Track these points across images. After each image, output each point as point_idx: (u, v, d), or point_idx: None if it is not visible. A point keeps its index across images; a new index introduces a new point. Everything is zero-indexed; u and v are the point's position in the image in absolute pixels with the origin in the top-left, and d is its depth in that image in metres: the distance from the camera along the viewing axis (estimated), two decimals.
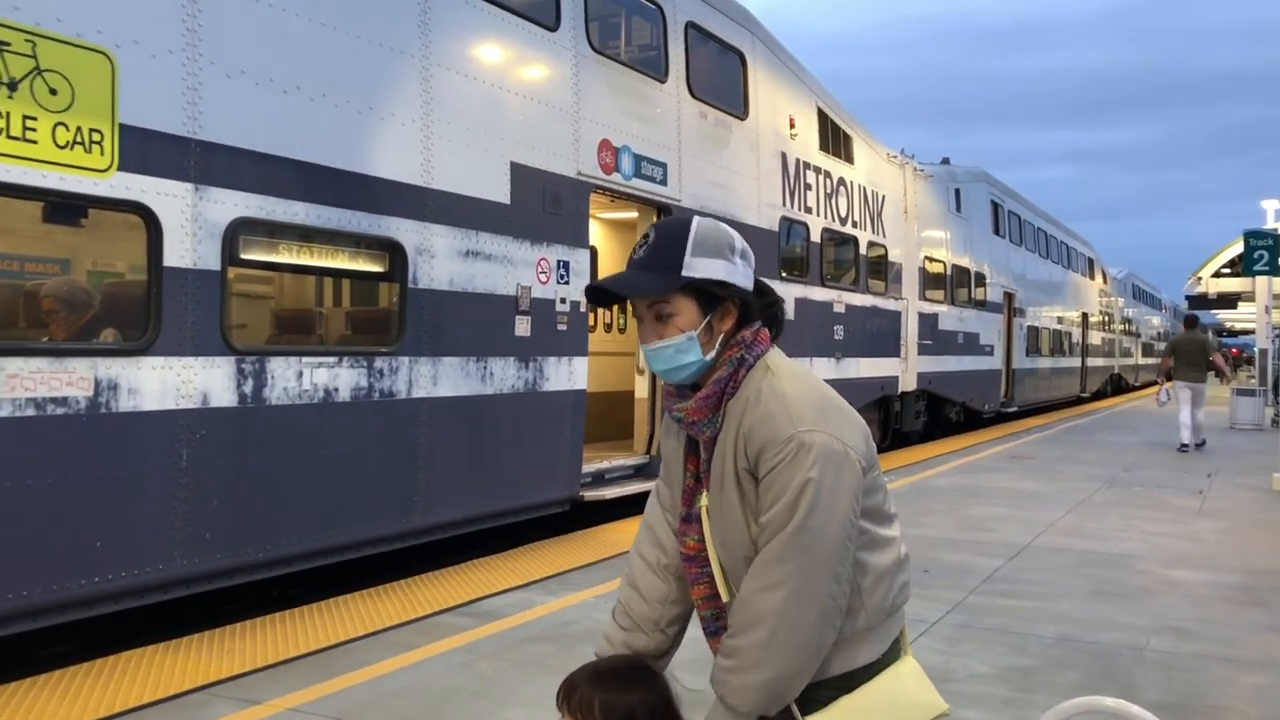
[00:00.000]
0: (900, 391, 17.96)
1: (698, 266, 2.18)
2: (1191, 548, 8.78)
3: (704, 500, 2.25)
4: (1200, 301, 37.18)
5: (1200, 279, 39.34)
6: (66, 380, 5.34)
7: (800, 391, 2.16)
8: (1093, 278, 38.15)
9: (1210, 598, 7.03)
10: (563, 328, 9.16)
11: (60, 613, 5.44)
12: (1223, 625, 6.34)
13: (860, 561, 2.14)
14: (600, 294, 2.24)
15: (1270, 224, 28.52)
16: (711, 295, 2.21)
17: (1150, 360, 53.80)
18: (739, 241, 2.27)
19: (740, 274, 2.24)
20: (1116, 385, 44.39)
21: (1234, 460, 16.04)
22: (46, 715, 4.54)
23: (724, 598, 2.22)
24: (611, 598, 6.76)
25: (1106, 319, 41.24)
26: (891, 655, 2.23)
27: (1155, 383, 24.77)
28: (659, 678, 2.17)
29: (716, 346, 2.22)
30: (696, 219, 2.25)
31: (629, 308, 2.36)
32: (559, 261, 9.08)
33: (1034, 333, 27.83)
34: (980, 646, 5.81)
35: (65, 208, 5.51)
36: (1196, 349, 17.88)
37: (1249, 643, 6.00)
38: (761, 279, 2.35)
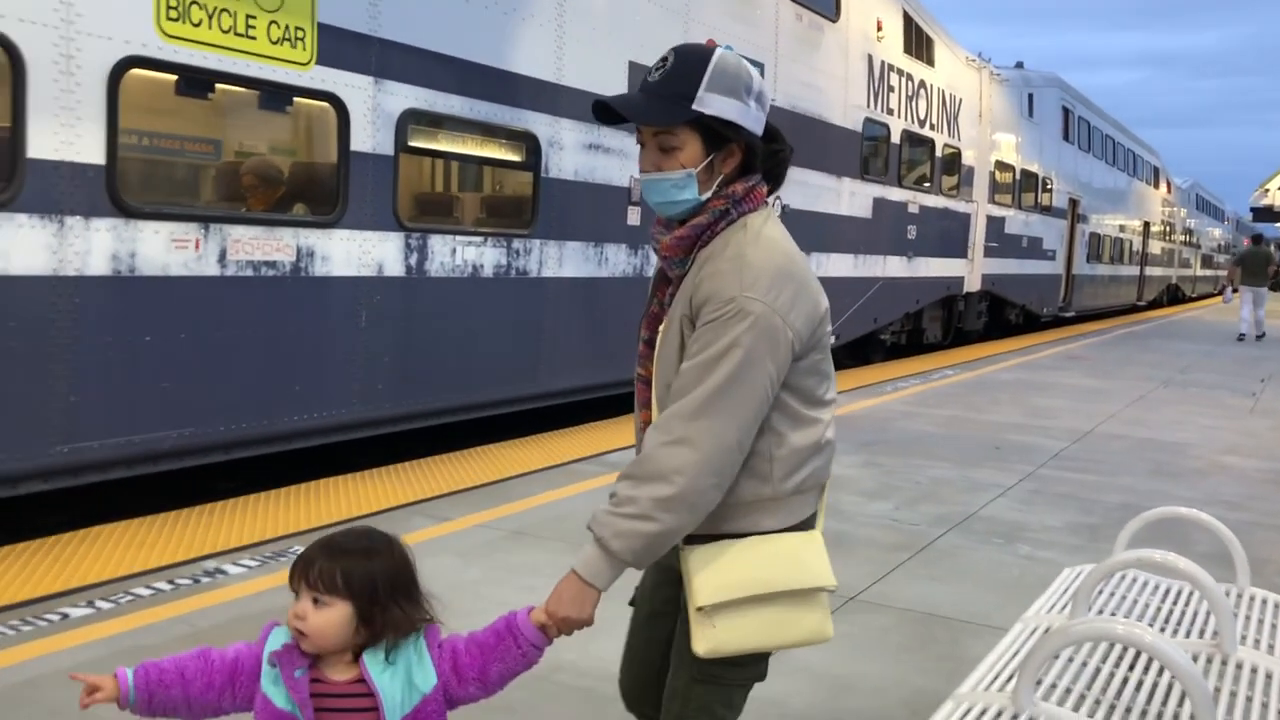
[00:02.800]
0: (965, 291, 18.58)
1: (710, 102, 2.09)
2: (1243, 440, 9.53)
3: (662, 328, 2.20)
4: (1266, 214, 37.02)
5: (1267, 190, 39.01)
6: (275, 247, 6.23)
7: (763, 259, 2.08)
8: (1156, 187, 37.97)
9: (1259, 480, 7.81)
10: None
11: (268, 444, 6.43)
12: (1269, 501, 7.12)
13: (778, 432, 2.13)
14: (607, 111, 2.13)
15: None
16: (718, 134, 2.12)
17: (1208, 272, 53.50)
18: (756, 82, 2.16)
19: (752, 117, 2.15)
20: (1174, 295, 44.40)
21: None
22: (300, 514, 5.54)
23: (652, 420, 2.20)
24: None
25: (1168, 229, 41.08)
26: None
27: (1212, 294, 25.67)
28: (395, 542, 2.02)
29: (714, 188, 2.14)
30: (720, 50, 2.14)
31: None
32: None
33: (1095, 239, 28.08)
34: (1051, 507, 6.65)
35: (274, 96, 6.34)
36: (1261, 261, 21.44)
37: None
38: (773, 124, 2.26)
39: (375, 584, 1.92)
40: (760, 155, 2.20)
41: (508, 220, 8.34)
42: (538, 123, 8.14)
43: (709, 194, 2.14)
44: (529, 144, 8.14)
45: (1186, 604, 3.21)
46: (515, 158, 8.22)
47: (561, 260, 8.57)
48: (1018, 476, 7.45)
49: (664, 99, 2.09)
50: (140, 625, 4.08)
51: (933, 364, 14.71)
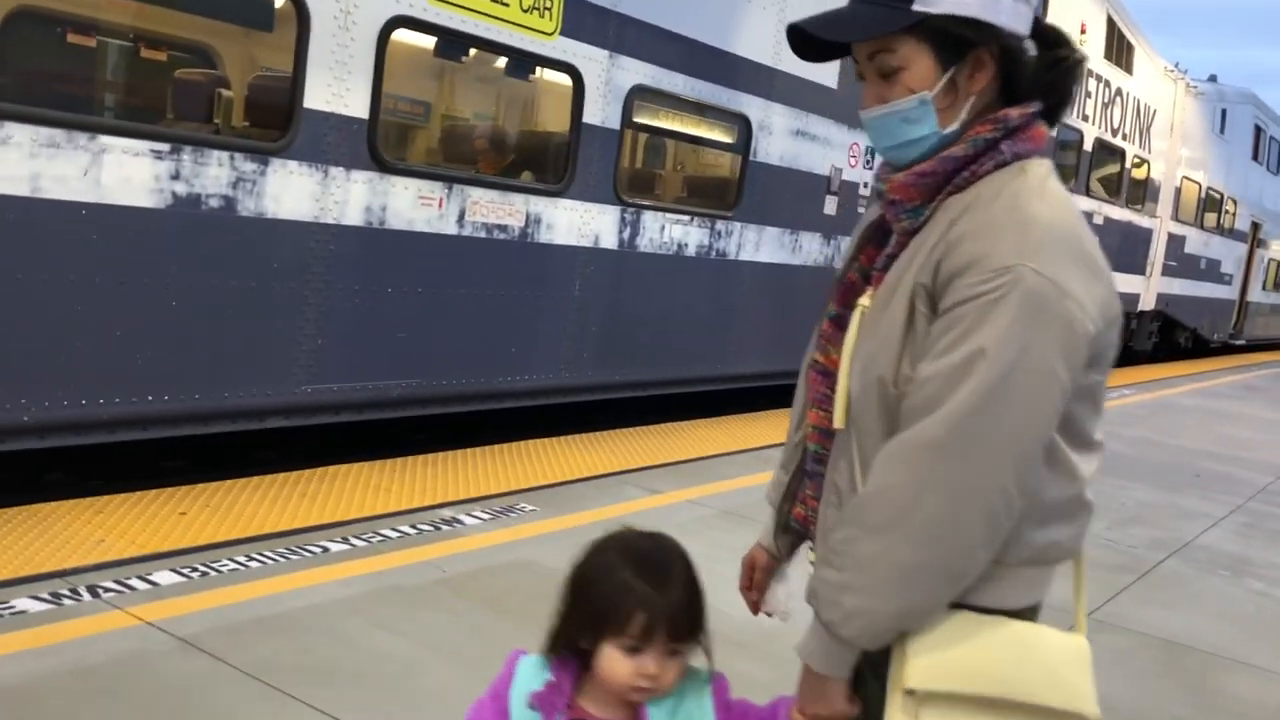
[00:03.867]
0: (1139, 310, 17.92)
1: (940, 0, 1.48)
2: (1266, 435, 8.99)
3: (863, 301, 1.59)
4: None
5: None
6: (508, 211, 6.38)
7: (1054, 219, 1.46)
8: None
9: None
10: (862, 209, 9.79)
11: (480, 400, 6.61)
12: None
13: (1046, 474, 1.50)
14: (806, 43, 1.60)
15: None
16: (956, 40, 1.51)
17: None
18: None
19: (1006, 9, 1.51)
20: None
21: None
22: (521, 472, 5.70)
23: (837, 424, 1.57)
24: None
25: None
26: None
27: None
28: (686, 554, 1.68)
29: (962, 116, 1.53)
30: None
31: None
32: (867, 147, 9.68)
33: (1276, 266, 26.75)
34: (1272, 543, 6.39)
35: (520, 64, 6.48)
36: None
37: None
38: (1051, 24, 1.62)
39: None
40: (1028, 69, 1.55)
41: (714, 201, 8.35)
42: (751, 105, 8.13)
43: (957, 124, 1.53)
44: (741, 126, 8.14)
45: None
46: (727, 139, 8.23)
47: (759, 244, 8.56)
48: (1227, 508, 7.17)
49: (872, 4, 1.52)
50: (395, 565, 4.25)
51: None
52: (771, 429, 7.95)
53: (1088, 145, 14.34)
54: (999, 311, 1.39)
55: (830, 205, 9.37)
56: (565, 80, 6.64)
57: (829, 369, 1.64)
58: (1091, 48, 14.01)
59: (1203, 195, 20.25)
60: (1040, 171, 1.53)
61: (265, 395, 5.37)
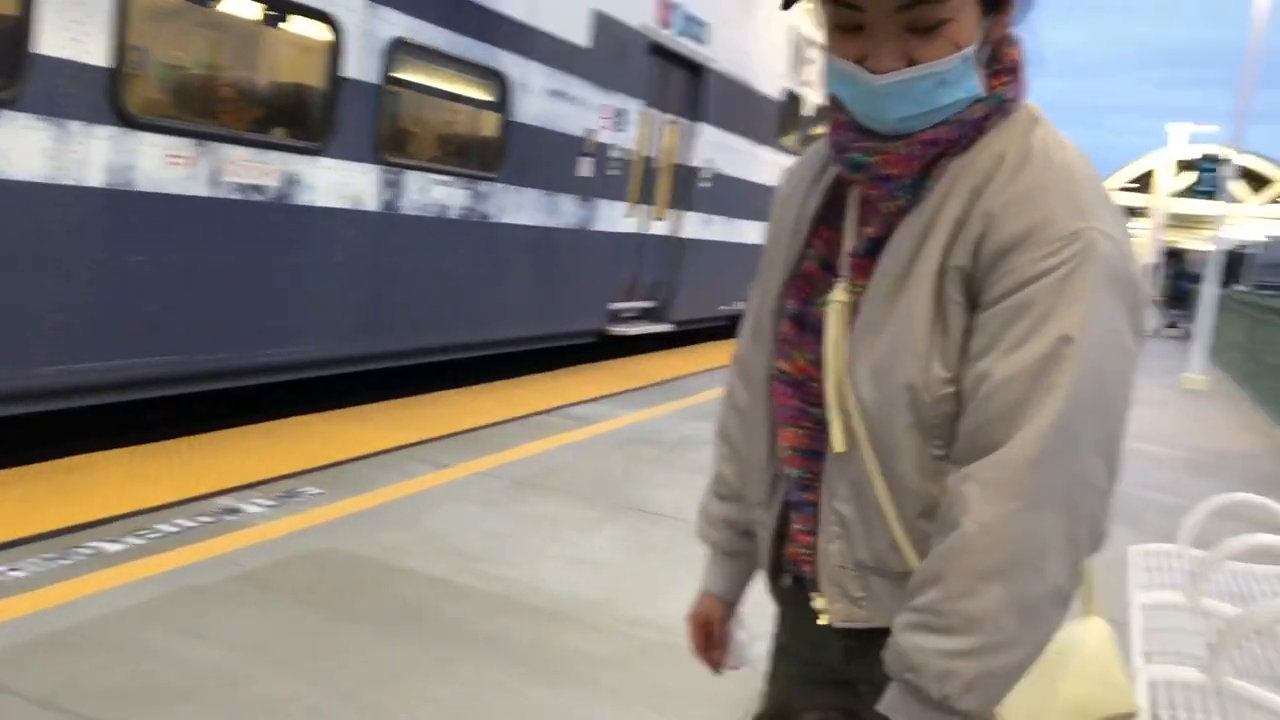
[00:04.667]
0: None
1: None
2: (1140, 427, 10.17)
3: (837, 295, 1.34)
4: None
5: None
6: (263, 171, 5.90)
7: (1087, 167, 1.29)
8: None
9: (1168, 464, 8.38)
10: (614, 173, 9.85)
11: (240, 377, 6.12)
12: (1186, 489, 7.66)
13: None
14: None
15: (1175, 147, 30.26)
16: None
17: None
18: None
19: None
20: None
21: (1141, 361, 17.74)
22: (298, 452, 5.32)
23: (838, 447, 1.33)
24: (678, 416, 7.79)
25: None
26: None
27: None
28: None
29: (983, 70, 1.30)
30: None
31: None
32: (618, 109, 9.71)
33: None
34: None
35: (278, 12, 5.98)
36: None
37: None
38: None
39: None
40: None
41: (477, 162, 8.11)
42: (509, 63, 7.94)
43: (983, 79, 1.29)
44: (500, 85, 7.93)
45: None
46: (488, 98, 7.99)
47: (521, 206, 8.41)
48: None
49: None
50: (185, 563, 3.86)
51: None
52: (543, 394, 7.89)
53: (810, 111, 15.06)
54: (1076, 287, 1.18)
55: (584, 167, 9.34)
56: (325, 31, 6.20)
57: (800, 378, 1.39)
58: (809, 18, 14.68)
59: None
60: (1040, 113, 1.34)
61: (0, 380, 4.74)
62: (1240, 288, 25.04)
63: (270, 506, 4.59)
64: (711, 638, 1.65)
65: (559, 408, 7.47)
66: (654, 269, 11.22)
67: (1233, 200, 19.06)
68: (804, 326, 1.39)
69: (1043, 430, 1.18)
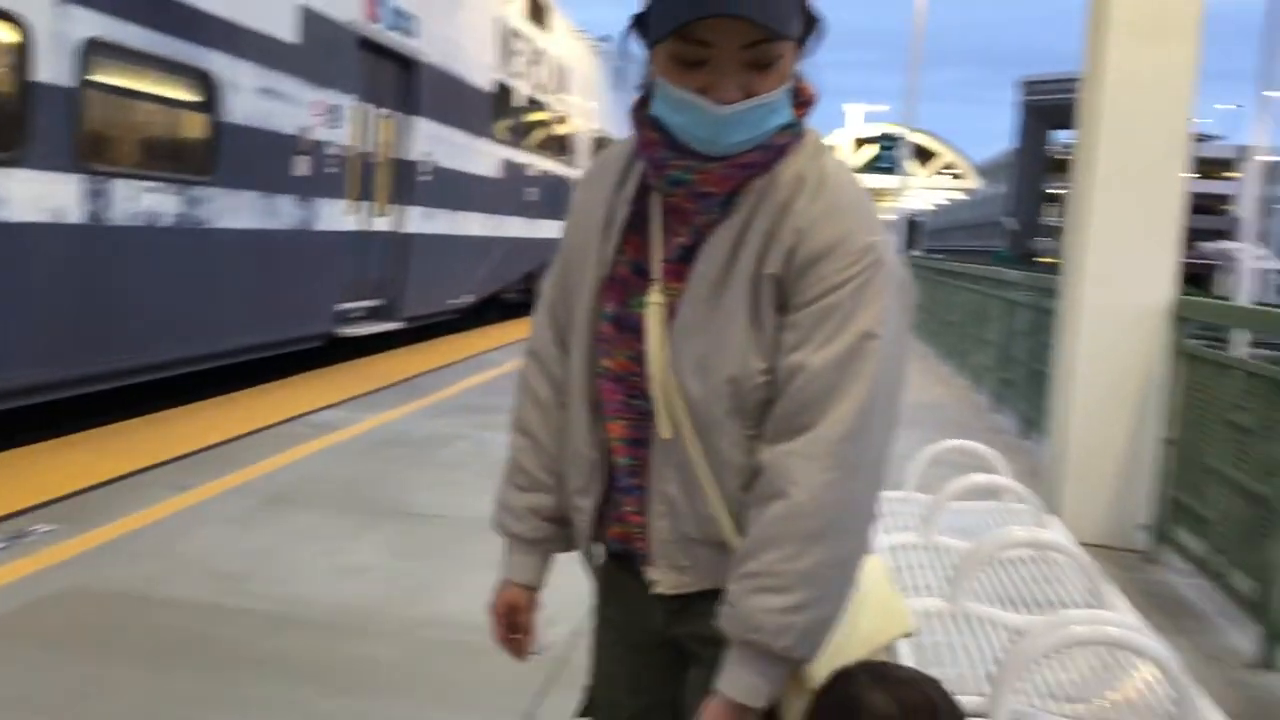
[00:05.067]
0: None
1: None
2: None
3: (654, 298, 1.48)
4: None
5: None
6: None
7: (864, 190, 1.52)
8: None
9: None
10: (332, 170, 9.61)
11: None
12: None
13: None
14: (644, 21, 1.41)
15: (852, 126, 32.83)
16: (810, 24, 1.47)
17: None
18: None
19: None
20: None
21: None
22: (20, 488, 4.91)
23: (664, 435, 1.47)
24: (422, 415, 7.74)
25: None
26: None
27: None
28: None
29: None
30: None
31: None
32: (332, 106, 9.48)
33: None
34: None
35: None
36: None
37: None
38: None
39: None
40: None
41: (188, 166, 7.70)
42: (217, 62, 7.60)
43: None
44: (209, 84, 7.58)
45: None
46: (196, 98, 7.60)
47: (238, 210, 8.08)
48: None
49: None
50: None
51: None
52: (280, 403, 7.64)
53: (521, 101, 15.22)
54: (871, 292, 1.39)
55: (301, 166, 9.07)
56: (11, 33, 5.72)
57: (622, 374, 1.51)
58: (516, 8, 14.83)
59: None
60: (823, 139, 1.52)
61: None
62: (916, 253, 27.38)
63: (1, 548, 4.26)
64: (516, 625, 1.72)
65: (299, 416, 7.27)
66: (379, 266, 11.06)
67: (907, 174, 20.89)
68: (622, 327, 1.51)
69: (852, 410, 1.37)
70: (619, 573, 1.62)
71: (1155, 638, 2.23)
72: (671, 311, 1.47)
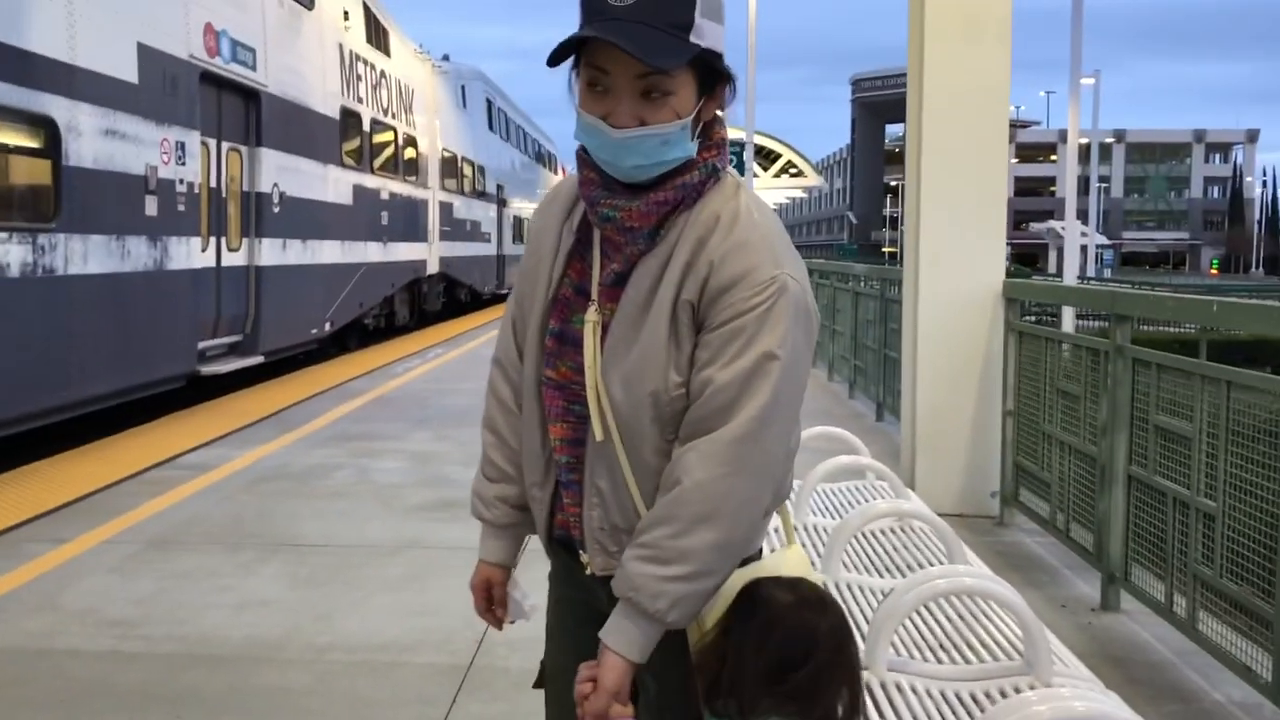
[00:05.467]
0: (427, 274, 19.44)
1: (706, 32, 1.62)
2: None
3: (590, 316, 1.70)
4: None
5: None
6: None
7: (775, 227, 1.70)
8: (554, 171, 41.96)
9: None
10: (183, 208, 9.47)
11: None
12: None
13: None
14: (563, 51, 1.60)
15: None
16: (714, 73, 1.67)
17: None
18: None
19: (722, 36, 1.69)
20: None
21: None
22: None
23: (598, 437, 1.69)
24: (298, 448, 7.70)
25: None
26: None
27: None
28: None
29: (696, 140, 1.68)
30: None
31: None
32: (178, 143, 9.34)
33: (518, 222, 30.54)
34: None
35: None
36: None
37: None
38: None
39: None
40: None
41: (28, 213, 7.50)
42: (55, 105, 7.44)
43: (696, 146, 1.68)
44: (48, 129, 7.42)
45: None
46: (34, 144, 7.43)
47: (86, 255, 7.91)
48: None
49: (660, 30, 1.57)
50: None
51: (422, 343, 15.40)
52: (150, 446, 7.51)
53: (366, 126, 15.15)
54: (774, 318, 1.60)
55: (151, 205, 8.91)
56: None
57: (563, 383, 1.73)
58: (355, 33, 14.77)
59: (459, 165, 22.46)
60: (741, 181, 1.75)
61: None
62: None
63: None
64: (492, 599, 1.92)
65: (171, 459, 7.17)
66: (235, 302, 10.91)
67: (754, 176, 21.53)
68: (564, 341, 1.73)
69: (749, 418, 1.59)
70: (566, 556, 1.84)
71: (1006, 585, 2.54)
72: (605, 329, 1.68)
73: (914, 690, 2.40)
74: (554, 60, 1.60)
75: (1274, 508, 3.27)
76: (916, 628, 2.76)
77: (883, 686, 2.40)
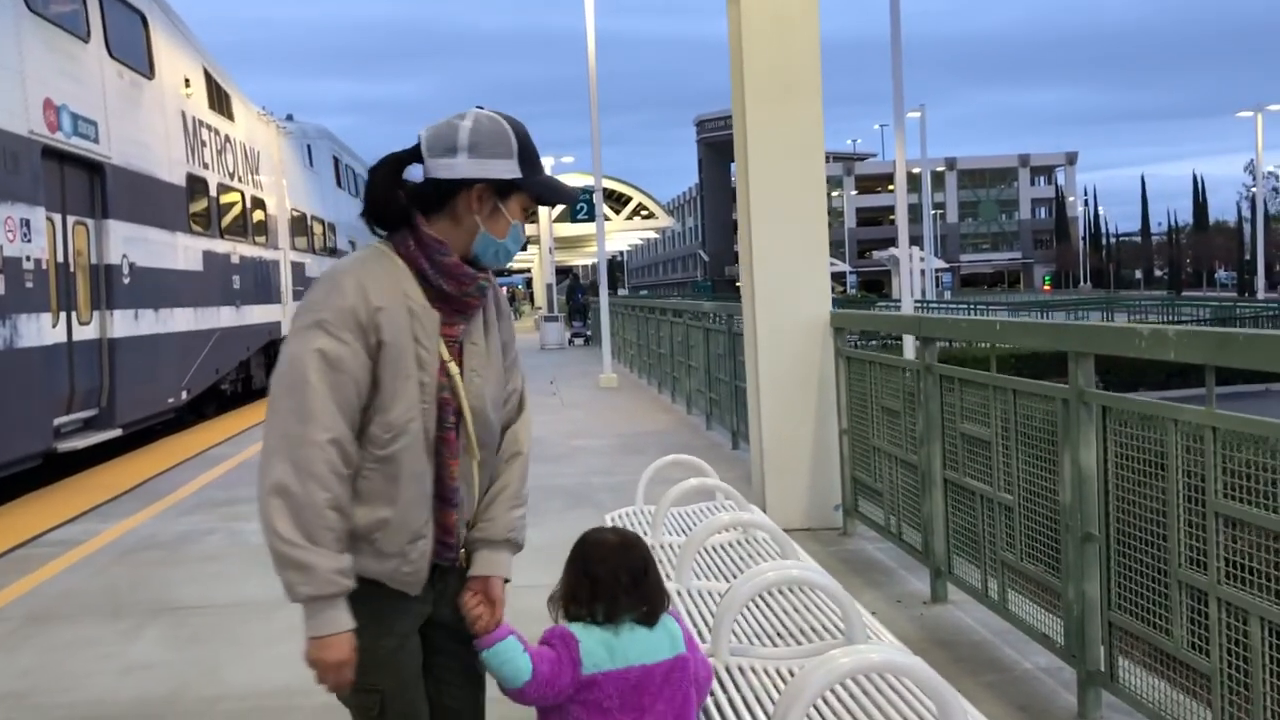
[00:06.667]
0: (283, 335, 19.26)
1: None
2: (574, 426, 11.78)
3: (455, 368, 2.16)
4: None
5: None
6: None
7: None
8: None
9: (606, 452, 9.92)
10: (31, 285, 9.37)
11: None
12: (624, 467, 9.19)
13: None
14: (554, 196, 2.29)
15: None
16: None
17: None
18: None
19: None
20: None
21: (560, 370, 20.03)
22: None
23: (476, 458, 2.20)
24: (162, 519, 7.71)
25: None
26: None
27: None
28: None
29: None
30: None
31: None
32: (22, 219, 9.26)
33: None
34: None
35: None
36: None
37: None
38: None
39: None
40: None
41: None
42: None
43: None
44: None
45: None
46: None
47: None
48: None
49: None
50: None
51: None
52: (11, 526, 7.43)
53: (213, 191, 15.10)
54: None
55: None
56: None
57: (455, 424, 2.15)
58: (197, 100, 14.75)
59: (309, 224, 22.38)
60: None
61: None
62: (623, 292, 28.74)
63: None
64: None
65: (36, 537, 7.14)
66: (89, 375, 10.74)
67: (606, 220, 22.12)
68: (455, 394, 2.16)
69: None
70: (433, 577, 2.19)
71: (824, 573, 2.97)
72: (464, 369, 2.18)
73: (753, 670, 2.81)
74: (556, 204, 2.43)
75: (1054, 496, 3.81)
76: (755, 619, 3.17)
77: (727, 670, 2.79)
